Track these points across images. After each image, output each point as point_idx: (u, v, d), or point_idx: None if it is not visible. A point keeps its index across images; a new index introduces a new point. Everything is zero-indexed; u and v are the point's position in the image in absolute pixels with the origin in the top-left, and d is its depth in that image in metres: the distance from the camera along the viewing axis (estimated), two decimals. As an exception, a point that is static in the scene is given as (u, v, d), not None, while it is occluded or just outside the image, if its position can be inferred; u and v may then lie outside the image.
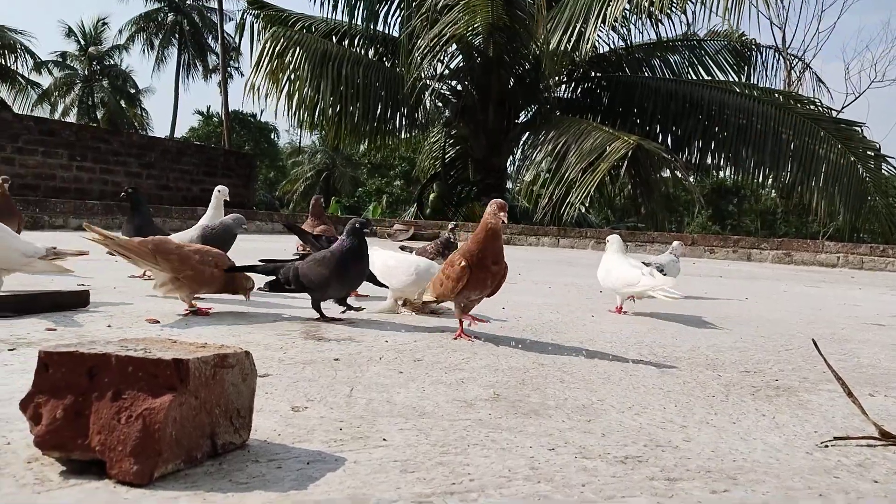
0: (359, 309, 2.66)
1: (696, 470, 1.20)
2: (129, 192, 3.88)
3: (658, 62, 16.76)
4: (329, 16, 16.00)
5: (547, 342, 2.44)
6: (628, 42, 16.35)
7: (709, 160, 15.98)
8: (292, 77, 15.07)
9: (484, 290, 2.34)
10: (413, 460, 1.17)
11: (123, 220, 4.16)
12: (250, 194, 16.52)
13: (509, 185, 18.59)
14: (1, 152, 11.09)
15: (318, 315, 2.61)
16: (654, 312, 3.41)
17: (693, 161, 16.02)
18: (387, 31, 16.51)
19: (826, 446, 1.37)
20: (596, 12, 12.94)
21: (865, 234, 15.27)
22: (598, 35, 14.47)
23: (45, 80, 32.50)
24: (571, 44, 13.43)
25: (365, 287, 2.87)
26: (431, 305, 2.80)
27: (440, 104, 16.76)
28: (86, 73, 35.28)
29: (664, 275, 3.52)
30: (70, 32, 35.34)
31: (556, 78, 15.58)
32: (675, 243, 4.46)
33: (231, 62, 32.46)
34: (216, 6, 28.20)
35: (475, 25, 13.55)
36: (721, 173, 19.85)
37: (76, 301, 2.58)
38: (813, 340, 1.68)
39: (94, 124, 30.60)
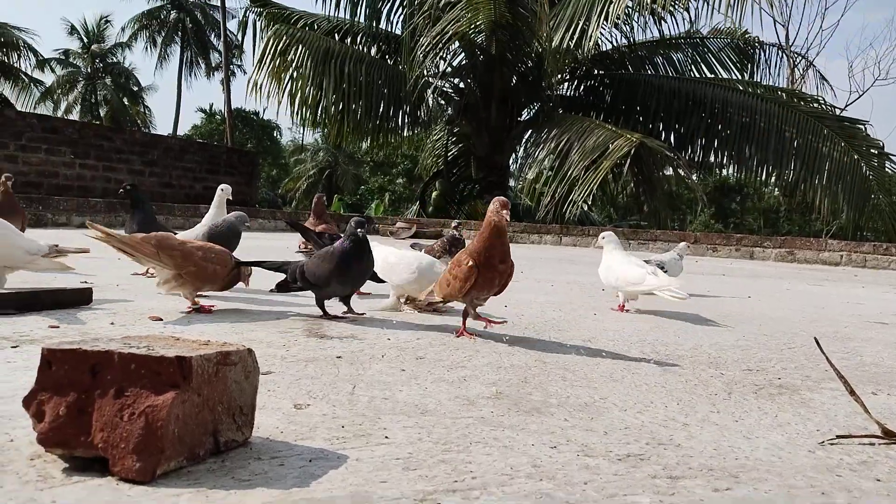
0: (359, 315, 2.65)
1: (698, 468, 1.20)
2: (127, 189, 3.82)
3: (661, 60, 16.72)
4: (331, 13, 16.02)
5: (549, 340, 2.44)
6: (631, 40, 16.32)
7: (712, 158, 15.95)
8: (295, 75, 15.07)
9: (492, 290, 2.32)
10: (415, 458, 1.17)
11: (126, 217, 4.15)
12: (253, 192, 16.53)
13: (512, 182, 18.57)
14: (4, 150, 11.10)
15: (321, 312, 2.61)
16: (657, 311, 3.41)
17: (696, 159, 15.99)
18: (389, 29, 16.51)
19: (828, 445, 1.37)
20: (599, 9, 12.91)
21: (869, 233, 15.24)
22: (601, 32, 14.45)
23: (48, 78, 32.56)
24: (574, 41, 13.41)
25: (367, 285, 2.87)
26: (438, 305, 2.77)
27: (443, 102, 16.75)
28: (89, 70, 35.31)
29: (665, 272, 3.51)
30: (73, 30, 35.37)
31: (559, 75, 15.56)
32: (682, 244, 4.46)
33: (234, 60, 32.48)
34: (219, 4, 28.18)
35: (478, 23, 13.52)
36: (724, 171, 19.83)
37: (79, 298, 2.58)
38: (815, 339, 1.68)
39: (97, 122, 30.66)
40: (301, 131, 38.16)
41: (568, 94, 16.99)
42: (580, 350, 2.27)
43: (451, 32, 13.22)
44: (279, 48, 14.70)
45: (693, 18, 15.38)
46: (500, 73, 14.83)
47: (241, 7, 39.38)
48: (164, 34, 35.26)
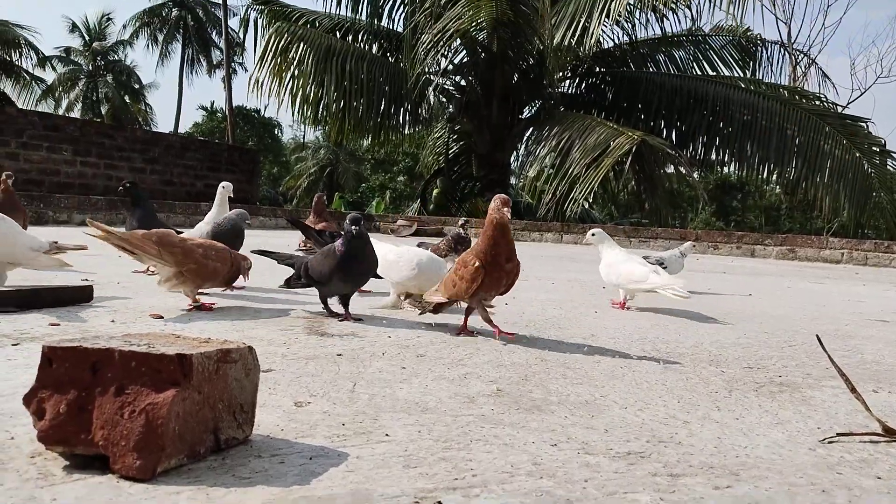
0: (357, 319, 2.62)
1: (698, 466, 1.20)
2: (126, 187, 3.81)
3: (663, 57, 16.69)
4: (333, 11, 16.02)
5: (550, 338, 2.44)
6: (633, 37, 16.30)
7: (713, 156, 15.93)
8: (296, 72, 15.06)
9: (498, 290, 2.31)
10: (416, 455, 1.17)
11: (127, 214, 4.14)
12: (254, 190, 16.53)
13: (513, 180, 18.57)
14: (5, 147, 11.11)
15: (324, 309, 2.62)
16: (657, 308, 3.41)
17: (697, 157, 15.98)
18: (391, 27, 16.51)
19: (829, 442, 1.37)
20: (600, 7, 12.90)
21: (870, 231, 15.23)
22: (603, 30, 14.44)
23: (49, 76, 32.56)
24: (576, 39, 13.40)
25: (368, 283, 2.87)
26: (444, 306, 2.68)
27: (444, 100, 16.73)
28: (90, 68, 35.31)
29: (665, 269, 3.51)
30: (74, 28, 35.37)
31: (561, 73, 15.54)
32: (688, 243, 4.46)
33: (235, 57, 32.44)
34: (220, 1, 28.16)
35: (479, 20, 13.50)
36: (725, 169, 19.78)
37: (80, 296, 2.59)
38: (817, 336, 1.68)
39: (99, 120, 30.66)
40: (302, 129, 38.20)
41: (569, 91, 16.97)
42: (581, 348, 2.27)
43: (452, 30, 13.20)
44: (280, 46, 14.69)
45: (695, 16, 15.38)
46: (502, 71, 14.82)
47: (242, 4, 39.36)
48: (165, 32, 35.25)
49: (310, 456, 1.14)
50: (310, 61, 14.72)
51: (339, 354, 1.95)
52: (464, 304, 2.43)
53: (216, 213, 3.83)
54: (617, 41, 16.64)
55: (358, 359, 1.90)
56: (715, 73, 16.14)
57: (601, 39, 15.15)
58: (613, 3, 12.66)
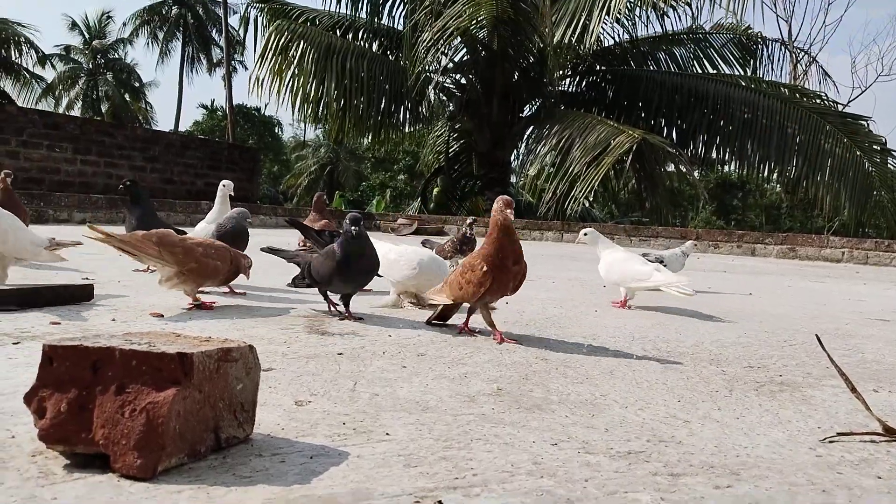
0: (358, 318, 2.62)
1: (699, 465, 1.20)
2: (127, 185, 3.80)
3: (663, 55, 16.66)
4: (333, 9, 16.00)
5: (550, 337, 2.44)
6: (633, 35, 16.27)
7: (714, 154, 15.91)
8: (296, 71, 15.05)
9: (505, 293, 2.31)
10: (416, 455, 1.17)
11: (127, 213, 4.13)
12: (254, 188, 16.52)
13: (513, 179, 18.54)
14: (6, 146, 11.10)
15: (325, 301, 2.62)
16: (658, 307, 3.41)
17: (698, 155, 15.96)
18: (391, 25, 16.49)
19: (829, 442, 1.37)
20: (600, 5, 12.88)
21: (871, 230, 15.22)
22: (603, 28, 14.44)
23: (49, 74, 32.54)
24: (576, 37, 13.39)
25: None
26: (453, 313, 2.60)
27: (444, 98, 16.72)
28: (90, 66, 35.28)
29: (665, 267, 3.51)
30: (74, 26, 35.34)
31: (561, 71, 15.52)
32: (689, 242, 4.46)
33: (235, 56, 32.43)
34: (220, -1, 28.15)
35: (479, 18, 13.49)
36: (726, 168, 19.76)
37: (80, 295, 2.59)
38: (817, 336, 1.68)
39: (99, 118, 30.64)
40: (302, 127, 38.18)
41: (569, 90, 16.96)
42: (581, 347, 2.27)
43: (452, 28, 13.20)
44: (281, 44, 14.69)
45: (695, 13, 15.35)
46: (502, 69, 14.80)
47: (242, 2, 39.23)
48: (165, 30, 35.22)
49: (310, 455, 1.14)
50: (310, 59, 14.72)
51: (340, 353, 1.95)
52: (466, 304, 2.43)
53: (218, 211, 3.82)
54: (617, 39, 16.63)
55: (358, 358, 1.91)
56: (715, 72, 16.12)
57: (601, 37, 15.15)
58: (614, 0, 12.64)
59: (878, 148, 13.91)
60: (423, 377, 1.73)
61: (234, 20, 28.48)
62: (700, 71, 16.27)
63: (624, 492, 1.06)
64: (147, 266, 3.51)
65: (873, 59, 59.92)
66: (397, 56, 16.12)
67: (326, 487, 1.01)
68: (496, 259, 2.20)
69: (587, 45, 13.94)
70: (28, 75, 29.37)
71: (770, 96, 14.55)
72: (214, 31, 35.34)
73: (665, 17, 15.64)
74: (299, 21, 15.61)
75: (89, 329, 2.10)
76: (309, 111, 15.85)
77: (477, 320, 2.46)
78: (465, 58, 15.73)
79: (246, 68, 35.08)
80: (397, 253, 2.88)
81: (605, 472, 1.14)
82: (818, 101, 15.28)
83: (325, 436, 1.24)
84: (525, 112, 16.41)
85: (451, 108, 16.72)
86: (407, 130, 17.87)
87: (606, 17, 13.33)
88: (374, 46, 16.54)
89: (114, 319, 2.28)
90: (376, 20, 16.17)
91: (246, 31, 17.20)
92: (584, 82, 17.11)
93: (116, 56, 36.40)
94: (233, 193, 3.92)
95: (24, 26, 28.74)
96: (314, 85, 15.09)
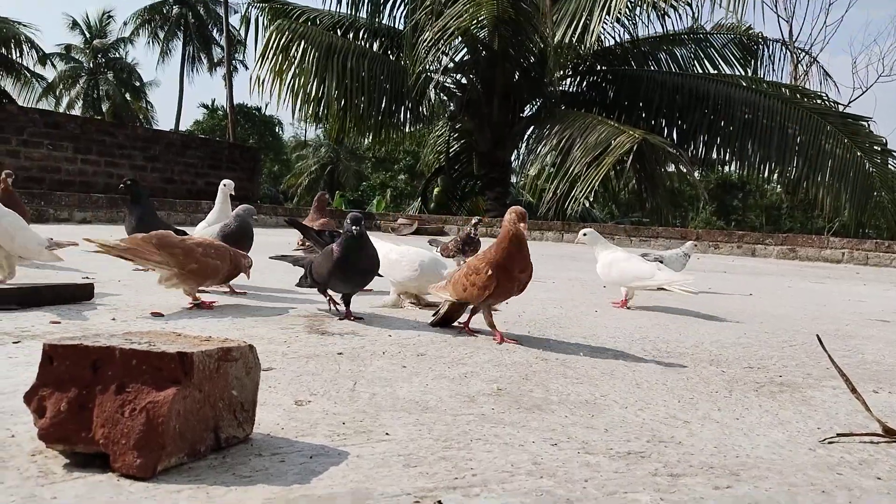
0: (358, 318, 2.62)
1: (698, 466, 1.20)
2: (127, 184, 3.80)
3: (664, 55, 16.65)
4: (333, 9, 16.01)
5: (550, 337, 2.44)
6: (634, 35, 16.28)
7: (714, 155, 15.91)
8: (297, 70, 15.05)
9: (509, 296, 2.33)
10: (416, 455, 1.17)
11: (127, 213, 4.13)
12: (255, 188, 16.52)
13: (514, 179, 18.55)
14: (6, 145, 11.10)
15: (326, 308, 2.63)
16: (658, 307, 3.41)
17: (698, 155, 15.95)
18: (392, 24, 16.49)
19: (829, 443, 1.37)
20: (601, 5, 12.88)
21: (871, 230, 15.21)
22: (604, 28, 14.42)
23: (50, 73, 32.54)
24: (576, 36, 13.39)
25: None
26: (457, 315, 2.57)
27: (445, 98, 16.72)
28: (90, 65, 35.29)
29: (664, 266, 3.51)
30: (75, 25, 35.34)
31: (561, 71, 15.52)
32: (689, 243, 4.46)
33: (236, 55, 32.41)
34: (221, -1, 28.15)
35: (480, 18, 13.49)
36: (726, 168, 19.78)
37: (81, 294, 2.59)
38: (817, 336, 1.67)
39: (99, 117, 30.65)
40: (303, 127, 38.18)
41: (570, 90, 16.96)
42: (581, 347, 2.27)
43: (453, 28, 13.20)
44: (281, 43, 14.68)
45: (696, 14, 15.37)
46: (503, 69, 14.80)
47: (243, 2, 39.23)
48: (166, 29, 35.22)
49: (310, 455, 1.14)
50: (310, 59, 14.72)
51: (340, 353, 1.95)
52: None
53: (220, 210, 3.82)
54: (618, 39, 16.63)
55: (358, 357, 1.91)
56: (716, 72, 16.12)
57: (602, 37, 15.14)
58: (614, 0, 12.64)
59: (879, 148, 13.91)
60: (422, 377, 1.73)
61: (234, 20, 28.57)
62: (701, 71, 16.27)
63: (623, 492, 1.06)
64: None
65: (874, 60, 59.86)
66: (398, 56, 16.12)
67: (326, 487, 1.01)
68: (502, 265, 2.22)
69: (588, 45, 13.94)
70: (29, 74, 29.37)
71: (771, 97, 14.55)
72: (215, 31, 35.34)
73: (666, 18, 15.66)
74: (300, 21, 15.62)
75: (89, 328, 2.10)
76: (309, 111, 15.86)
77: (477, 320, 2.46)
78: (465, 57, 15.73)
79: (246, 68, 35.09)
80: (398, 253, 2.88)
81: (604, 473, 1.14)
82: (819, 101, 15.28)
83: (325, 435, 1.24)
84: (526, 112, 16.42)
85: (451, 107, 16.72)
86: (407, 130, 17.87)
87: (607, 17, 13.34)
88: (375, 46, 16.53)
89: (114, 319, 2.28)
90: (377, 20, 16.18)
91: (247, 30, 17.19)
92: (585, 82, 17.11)
93: (117, 55, 36.41)
94: (233, 193, 3.92)
95: (24, 25, 28.72)
96: (315, 84, 15.09)
